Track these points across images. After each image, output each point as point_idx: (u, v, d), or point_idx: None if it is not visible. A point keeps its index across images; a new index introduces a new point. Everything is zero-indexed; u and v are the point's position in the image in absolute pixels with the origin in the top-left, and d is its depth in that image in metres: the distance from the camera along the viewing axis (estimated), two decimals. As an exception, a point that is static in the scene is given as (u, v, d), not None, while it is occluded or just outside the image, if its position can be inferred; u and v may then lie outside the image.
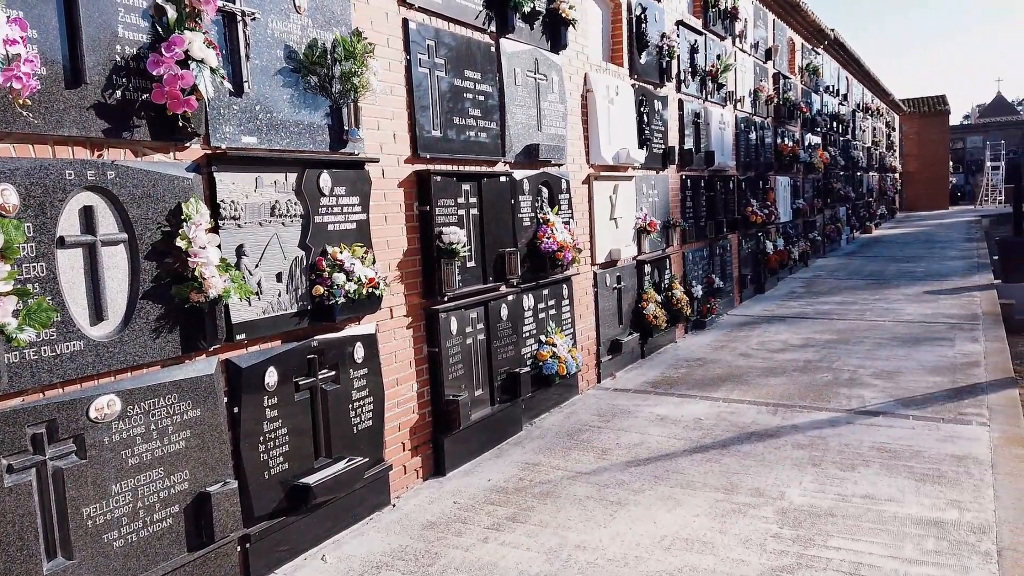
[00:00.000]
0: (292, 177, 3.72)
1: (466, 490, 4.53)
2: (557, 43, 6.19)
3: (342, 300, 3.84)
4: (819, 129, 16.59)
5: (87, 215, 2.84)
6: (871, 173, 25.49)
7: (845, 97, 20.36)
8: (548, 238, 5.79)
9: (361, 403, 4.14)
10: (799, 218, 14.83)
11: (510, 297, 5.49)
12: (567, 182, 6.33)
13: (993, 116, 50.68)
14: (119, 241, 2.96)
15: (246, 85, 3.47)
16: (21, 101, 2.47)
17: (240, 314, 3.42)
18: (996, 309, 9.67)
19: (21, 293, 2.49)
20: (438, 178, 4.70)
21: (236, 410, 3.41)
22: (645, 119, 7.82)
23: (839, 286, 12.42)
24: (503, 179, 5.40)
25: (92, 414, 2.82)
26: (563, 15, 6.07)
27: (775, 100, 12.98)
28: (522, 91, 5.71)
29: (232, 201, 3.40)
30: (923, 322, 9.01)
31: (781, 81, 13.48)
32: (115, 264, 2.94)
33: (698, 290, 9.12)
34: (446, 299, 4.78)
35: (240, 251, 3.44)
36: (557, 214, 6.04)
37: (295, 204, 3.74)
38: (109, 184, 2.90)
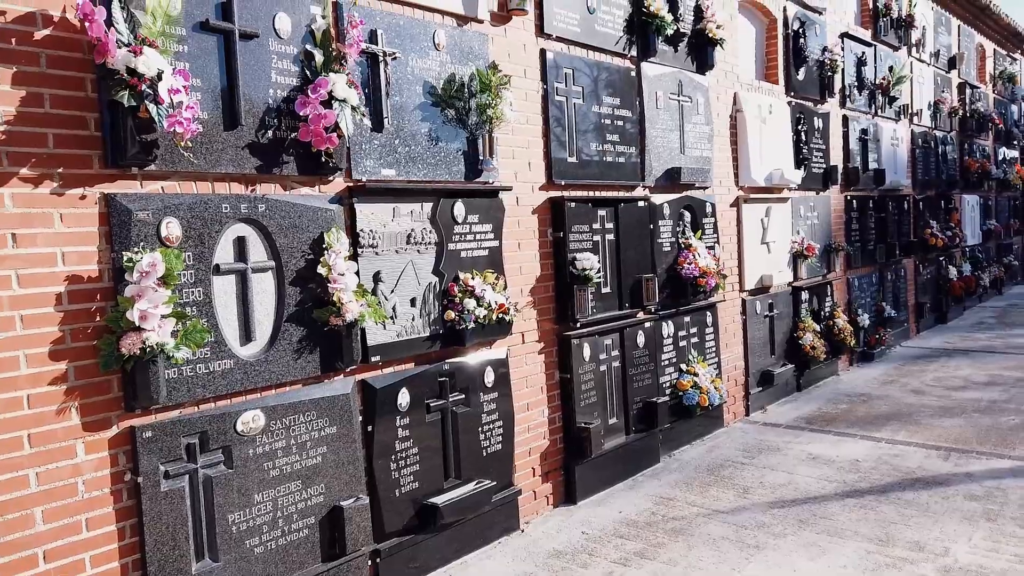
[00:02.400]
0: (428, 206, 3.88)
1: (595, 520, 4.45)
2: (703, 64, 6.03)
3: (472, 325, 3.93)
4: (1016, 142, 14.90)
5: (240, 245, 3.12)
6: (1085, 189, 22.47)
7: (1050, 105, 18.14)
8: (689, 263, 5.61)
9: (491, 426, 4.21)
10: (991, 241, 13.36)
11: (647, 324, 5.36)
12: (712, 205, 6.11)
13: None
14: (267, 268, 3.22)
15: (386, 121, 3.67)
16: (183, 143, 2.77)
17: (375, 337, 3.60)
18: None
19: (179, 316, 2.77)
20: (572, 204, 4.71)
21: (370, 428, 3.59)
22: (803, 137, 7.40)
23: (1039, 317, 11.03)
24: (641, 204, 5.31)
25: (239, 427, 3.07)
26: (710, 35, 5.91)
27: (960, 112, 11.83)
28: (664, 114, 5.61)
29: (371, 230, 3.60)
30: None
31: (968, 91, 12.27)
32: (263, 289, 3.20)
33: (865, 319, 8.45)
34: (579, 325, 4.76)
35: (377, 277, 3.63)
36: (700, 238, 5.85)
37: (430, 232, 3.89)
38: (260, 216, 3.17)
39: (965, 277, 11.46)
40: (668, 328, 5.65)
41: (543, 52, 4.62)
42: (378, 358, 3.61)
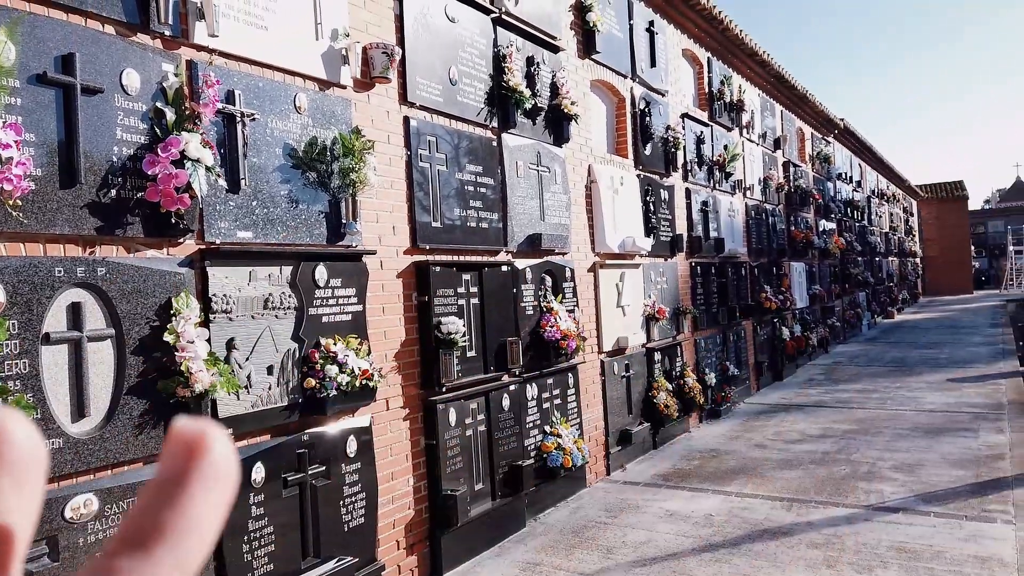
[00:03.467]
0: (287, 270, 3.75)
1: (462, 592, 4.34)
2: (560, 137, 6.33)
3: (334, 393, 3.80)
4: (833, 215, 16.65)
5: (75, 311, 2.87)
6: (890, 258, 25.39)
7: (859, 184, 20.52)
8: (551, 327, 5.75)
9: (353, 499, 4.03)
10: (816, 304, 14.70)
11: (512, 387, 5.41)
12: (571, 270, 6.34)
13: (1013, 200, 50.73)
14: (106, 336, 2.97)
15: (243, 182, 3.55)
16: (11, 202, 2.54)
17: (228, 408, 3.38)
18: (1022, 397, 9.37)
19: (-1, 390, 2.48)
20: (437, 268, 4.73)
21: (220, 508, 3.33)
22: (651, 208, 7.89)
23: (860, 373, 12.16)
24: (504, 268, 5.42)
25: (68, 514, 2.76)
26: (565, 111, 6.23)
27: (786, 187, 13.10)
28: (524, 183, 5.81)
29: (224, 295, 3.42)
30: (946, 411, 8.73)
31: (792, 169, 13.64)
32: (100, 360, 2.94)
33: (712, 378, 8.96)
34: (444, 390, 4.72)
35: (230, 344, 3.44)
36: (561, 302, 6.03)
37: (289, 296, 3.76)
38: (99, 280, 2.94)
39: (796, 337, 12.49)
40: (532, 390, 5.72)
41: (407, 119, 4.68)
42: (230, 431, 3.39)
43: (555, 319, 5.82)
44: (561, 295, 6.11)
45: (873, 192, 22.94)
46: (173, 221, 3.16)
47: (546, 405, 5.89)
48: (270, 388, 3.61)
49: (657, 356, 7.81)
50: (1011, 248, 38.37)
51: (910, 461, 6.64)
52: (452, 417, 4.79)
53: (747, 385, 10.52)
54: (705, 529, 5.18)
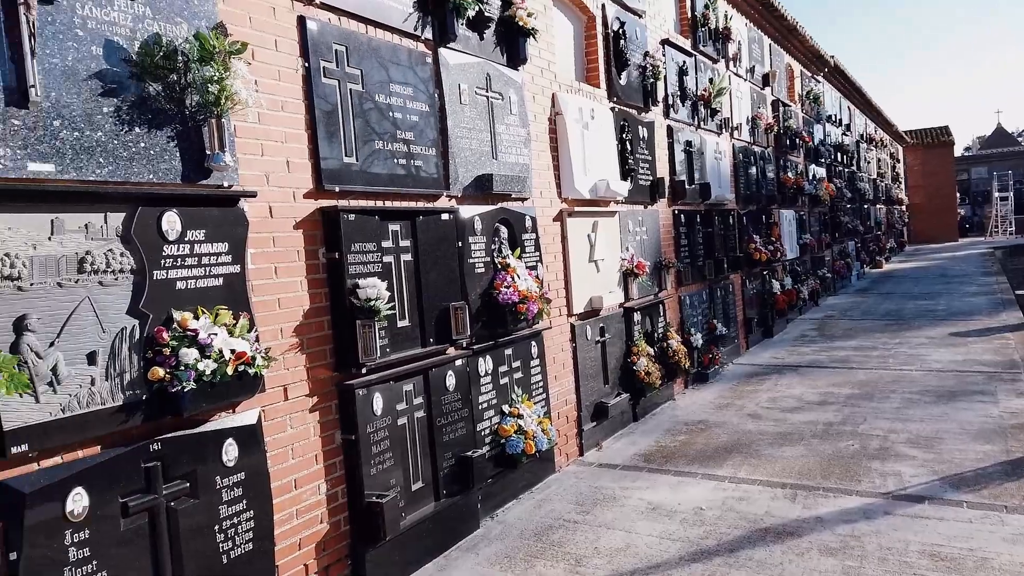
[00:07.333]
0: (116, 218, 2.70)
1: (387, 630, 3.40)
2: (515, 57, 5.23)
3: (192, 385, 2.78)
4: (823, 160, 15.65)
5: None
6: (878, 205, 24.51)
7: (848, 127, 19.48)
8: (507, 287, 4.74)
9: (235, 521, 3.05)
10: (806, 254, 13.78)
11: (458, 362, 4.42)
12: (533, 219, 5.30)
13: (994, 147, 49.93)
14: None
15: (33, 91, 2.47)
16: None
17: (19, 415, 2.36)
18: (1036, 351, 8.55)
19: None
20: (351, 216, 3.68)
21: (14, 556, 2.34)
22: (628, 147, 6.83)
23: (854, 328, 11.31)
24: (446, 217, 4.38)
25: None
26: (520, 23, 5.12)
27: (775, 128, 12.04)
28: (470, 111, 4.73)
29: (5, 254, 2.37)
30: (955, 371, 7.87)
31: (781, 109, 12.57)
32: None
33: (698, 338, 8.03)
34: (365, 371, 3.72)
35: (21, 325, 2.40)
36: (520, 258, 5.01)
37: (121, 255, 2.71)
38: None
39: (788, 291, 11.59)
40: (486, 364, 4.73)
41: (302, 19, 3.57)
42: (24, 447, 2.38)
43: (512, 278, 4.80)
44: (520, 249, 5.09)
45: (862, 136, 21.94)
46: (-100, 144, 2.10)
47: (504, 380, 4.91)
48: (93, 383, 2.58)
49: (637, 316, 6.84)
50: (996, 195, 37.64)
51: (926, 433, 5.76)
52: (378, 404, 3.80)
53: (736, 344, 9.62)
54: (695, 529, 4.27)
